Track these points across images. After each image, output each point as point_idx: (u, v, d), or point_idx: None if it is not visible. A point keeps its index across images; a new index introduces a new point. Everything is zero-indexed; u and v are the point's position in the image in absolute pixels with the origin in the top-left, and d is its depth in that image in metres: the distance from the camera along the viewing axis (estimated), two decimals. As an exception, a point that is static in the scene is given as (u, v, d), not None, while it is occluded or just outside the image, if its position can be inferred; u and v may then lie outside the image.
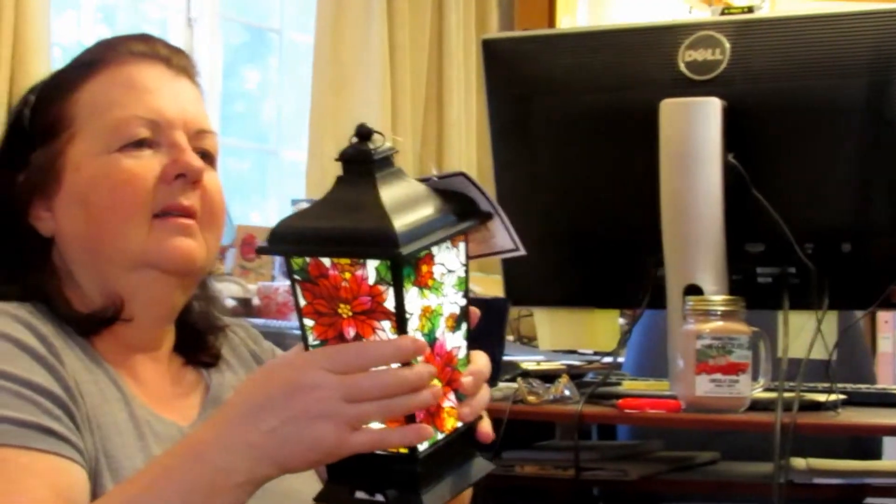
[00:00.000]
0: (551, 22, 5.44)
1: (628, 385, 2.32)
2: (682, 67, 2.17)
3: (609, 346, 2.47)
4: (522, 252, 1.30)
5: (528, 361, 2.54)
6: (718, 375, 1.97)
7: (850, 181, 2.14)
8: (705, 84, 2.16)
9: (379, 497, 1.18)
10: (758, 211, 2.10)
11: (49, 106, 1.48)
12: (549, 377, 2.27)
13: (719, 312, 1.99)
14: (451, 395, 1.22)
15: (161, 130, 1.46)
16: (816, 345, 2.04)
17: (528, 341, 3.61)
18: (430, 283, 1.17)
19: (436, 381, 1.18)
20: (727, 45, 2.15)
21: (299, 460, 1.16)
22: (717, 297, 2.03)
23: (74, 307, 1.43)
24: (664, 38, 2.21)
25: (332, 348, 1.16)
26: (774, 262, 2.15)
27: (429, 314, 1.17)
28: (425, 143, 4.94)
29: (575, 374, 2.35)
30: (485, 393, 1.38)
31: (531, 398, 2.17)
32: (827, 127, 2.13)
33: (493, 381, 2.29)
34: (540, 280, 2.40)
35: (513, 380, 2.28)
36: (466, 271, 1.22)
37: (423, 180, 1.23)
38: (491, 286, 3.31)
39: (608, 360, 2.37)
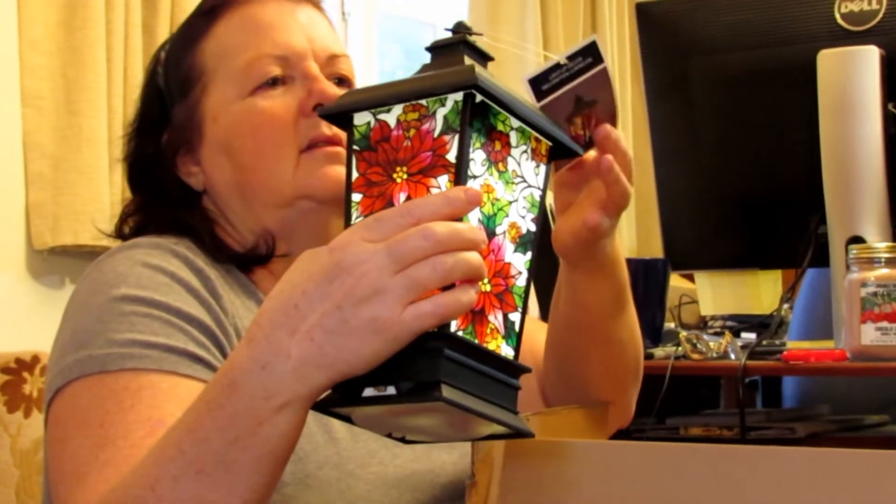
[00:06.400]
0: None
1: (792, 345, 2.30)
2: (839, 19, 2.16)
3: (773, 308, 2.45)
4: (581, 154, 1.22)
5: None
6: (884, 323, 1.94)
7: None
8: (862, 35, 2.14)
9: (391, 390, 0.99)
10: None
11: (179, 60, 1.48)
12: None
13: (883, 259, 1.96)
14: (499, 316, 1.05)
15: (292, 64, 1.43)
16: None
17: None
18: (500, 166, 1.07)
19: (485, 282, 1.04)
20: (884, -5, 2.14)
21: (350, 357, 0.96)
22: (881, 245, 2.00)
23: (230, 247, 1.45)
24: (820, -10, 2.20)
25: (371, 216, 0.99)
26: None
27: (492, 198, 1.06)
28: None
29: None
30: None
31: (695, 356, 2.16)
32: None
33: (655, 342, 2.30)
34: (700, 242, 2.40)
35: (676, 345, 2.28)
36: (542, 198, 1.12)
37: (554, 67, 1.21)
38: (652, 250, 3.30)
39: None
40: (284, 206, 1.43)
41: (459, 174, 1.01)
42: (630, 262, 2.63)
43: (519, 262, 1.08)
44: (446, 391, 0.97)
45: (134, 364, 1.24)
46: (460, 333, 1.01)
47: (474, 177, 1.03)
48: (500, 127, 1.07)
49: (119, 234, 1.49)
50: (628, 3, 5.06)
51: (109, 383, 1.23)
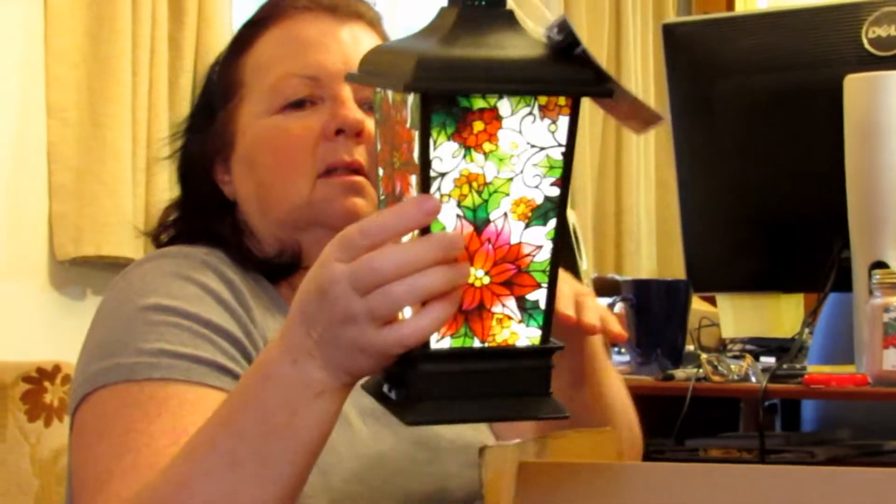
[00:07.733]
0: (730, 5, 5.42)
1: (812, 369, 2.29)
2: (866, 44, 2.16)
3: (793, 332, 2.44)
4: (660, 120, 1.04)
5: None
6: (907, 349, 1.94)
7: None
8: (889, 60, 2.14)
9: (393, 394, 1.01)
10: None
11: (226, 68, 1.48)
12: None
13: (907, 285, 1.96)
14: (510, 303, 0.99)
15: (322, 85, 1.41)
16: None
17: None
18: (485, 146, 0.96)
19: (480, 276, 0.98)
20: (912, 21, 2.13)
21: (357, 367, 1.01)
22: (905, 270, 2.00)
23: (258, 258, 1.43)
24: (847, 15, 2.20)
25: (341, 233, 0.99)
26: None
27: (477, 185, 0.96)
28: (604, 128, 4.95)
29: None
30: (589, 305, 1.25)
31: (716, 378, 2.16)
32: None
33: (675, 364, 2.30)
34: (722, 264, 2.39)
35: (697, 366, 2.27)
36: (568, 157, 0.99)
37: None
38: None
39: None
40: (301, 229, 1.42)
41: (423, 178, 0.96)
42: (651, 283, 2.65)
43: (536, 237, 0.99)
44: (419, 413, 0.98)
45: (161, 374, 1.25)
46: (447, 341, 0.98)
47: (442, 175, 0.96)
48: (481, 104, 0.96)
49: (156, 240, 1.50)
50: (653, 23, 5.06)
51: (136, 392, 1.24)
